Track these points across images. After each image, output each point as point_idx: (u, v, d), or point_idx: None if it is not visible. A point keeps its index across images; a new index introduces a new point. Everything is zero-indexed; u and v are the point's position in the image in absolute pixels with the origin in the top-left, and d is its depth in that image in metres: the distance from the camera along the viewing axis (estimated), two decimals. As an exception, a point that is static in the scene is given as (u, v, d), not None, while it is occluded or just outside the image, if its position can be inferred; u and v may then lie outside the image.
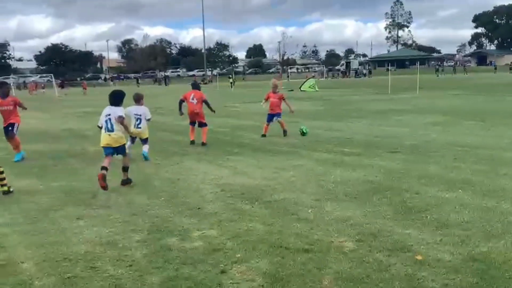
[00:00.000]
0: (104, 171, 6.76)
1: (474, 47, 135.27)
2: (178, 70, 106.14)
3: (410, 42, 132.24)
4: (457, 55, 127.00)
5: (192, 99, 11.24)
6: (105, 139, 7.08)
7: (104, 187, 6.68)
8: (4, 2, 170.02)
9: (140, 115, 9.32)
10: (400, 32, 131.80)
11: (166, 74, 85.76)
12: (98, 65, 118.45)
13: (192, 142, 11.13)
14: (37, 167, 9.01)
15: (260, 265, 4.12)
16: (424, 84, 33.14)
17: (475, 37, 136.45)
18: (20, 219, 5.71)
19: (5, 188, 6.88)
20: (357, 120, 15.31)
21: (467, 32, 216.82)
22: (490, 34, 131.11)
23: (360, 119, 15.54)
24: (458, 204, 5.68)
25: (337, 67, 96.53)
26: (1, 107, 9.69)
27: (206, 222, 5.35)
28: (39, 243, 4.82)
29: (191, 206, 6.01)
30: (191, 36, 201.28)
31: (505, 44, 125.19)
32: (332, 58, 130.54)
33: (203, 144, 10.91)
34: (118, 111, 7.10)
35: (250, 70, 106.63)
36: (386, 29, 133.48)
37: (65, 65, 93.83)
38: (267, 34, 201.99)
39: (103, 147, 7.18)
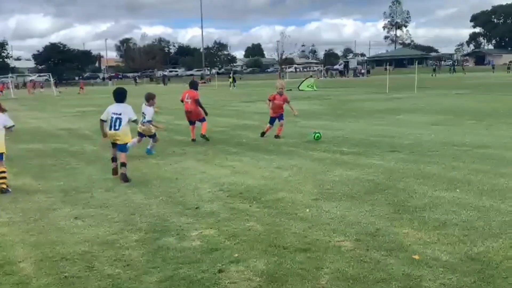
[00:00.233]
0: (114, 163, 7.61)
1: (472, 47, 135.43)
2: (176, 69, 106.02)
3: (408, 41, 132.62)
4: (455, 55, 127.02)
5: (187, 98, 11.28)
6: (111, 136, 7.54)
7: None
8: (3, 1, 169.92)
9: (146, 114, 9.60)
10: (399, 32, 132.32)
11: (164, 73, 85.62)
12: (97, 64, 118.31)
13: (193, 141, 11.32)
14: (35, 166, 9.01)
15: (258, 265, 4.12)
16: (422, 83, 33.15)
17: (473, 37, 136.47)
18: (18, 218, 5.71)
19: (3, 186, 6.91)
20: (356, 120, 15.31)
21: (466, 31, 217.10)
22: (488, 33, 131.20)
23: (359, 119, 15.54)
24: (456, 204, 5.69)
25: (335, 67, 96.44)
26: None
27: (204, 221, 5.35)
28: (37, 243, 4.82)
29: (189, 205, 6.01)
30: (190, 35, 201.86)
31: (503, 44, 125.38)
32: (330, 57, 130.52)
33: (202, 135, 11.07)
34: (131, 113, 7.55)
35: (248, 70, 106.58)
36: (384, 29, 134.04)
37: (63, 64, 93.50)
38: (266, 34, 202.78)
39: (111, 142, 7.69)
